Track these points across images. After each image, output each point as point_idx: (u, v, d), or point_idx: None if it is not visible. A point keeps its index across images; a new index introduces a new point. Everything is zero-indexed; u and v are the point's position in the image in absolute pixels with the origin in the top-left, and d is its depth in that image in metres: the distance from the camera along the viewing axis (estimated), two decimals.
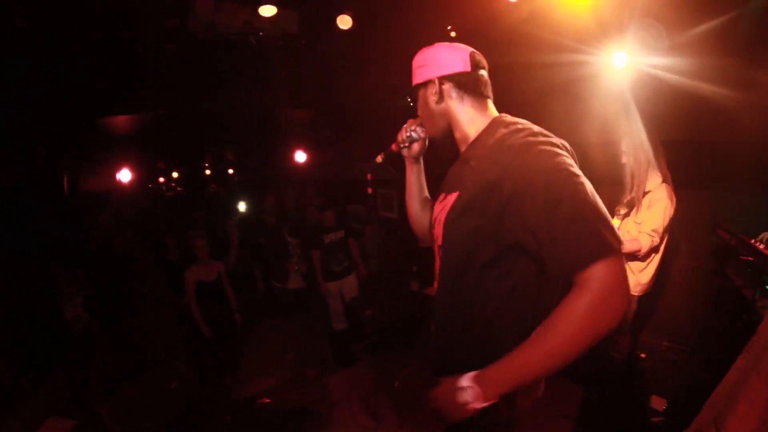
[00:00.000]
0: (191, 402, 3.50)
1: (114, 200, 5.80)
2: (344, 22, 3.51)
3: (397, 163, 1.68)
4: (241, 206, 5.90)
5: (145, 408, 3.21)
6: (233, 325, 4.11)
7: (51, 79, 3.83)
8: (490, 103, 1.41)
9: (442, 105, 1.37)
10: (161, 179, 9.70)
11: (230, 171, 9.83)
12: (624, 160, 2.84)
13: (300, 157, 6.45)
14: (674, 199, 2.72)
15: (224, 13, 3.54)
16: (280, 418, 3.34)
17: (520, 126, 1.26)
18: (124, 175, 5.83)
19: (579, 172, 1.12)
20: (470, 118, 1.36)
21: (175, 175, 9.74)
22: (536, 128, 1.25)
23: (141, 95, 4.27)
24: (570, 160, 1.15)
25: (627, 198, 2.91)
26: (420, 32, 3.70)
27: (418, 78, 1.41)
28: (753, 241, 2.61)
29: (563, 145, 1.21)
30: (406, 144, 1.57)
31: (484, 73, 1.39)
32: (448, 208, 1.34)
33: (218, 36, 3.58)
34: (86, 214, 5.37)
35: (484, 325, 1.27)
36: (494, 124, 1.32)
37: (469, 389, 1.11)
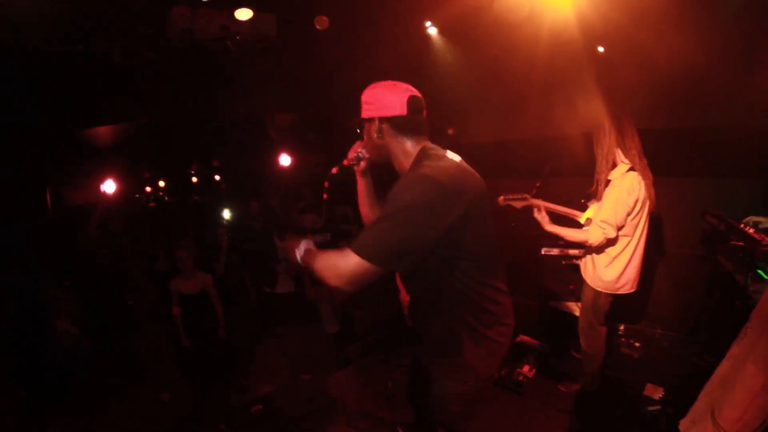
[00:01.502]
0: (184, 412, 3.46)
1: (99, 212, 5.71)
2: (321, 23, 3.47)
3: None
4: (228, 213, 5.84)
5: (137, 420, 3.17)
6: (216, 338, 4.06)
7: (29, 93, 3.76)
8: (424, 139, 1.65)
9: (382, 141, 1.63)
10: (147, 189, 9.61)
11: (217, 177, 9.74)
12: (594, 148, 2.73)
13: (284, 160, 6.40)
14: (639, 189, 2.56)
15: (201, 19, 3.49)
16: (275, 425, 3.30)
17: (428, 158, 1.55)
18: (109, 186, 5.76)
19: (423, 210, 1.38)
20: (404, 153, 1.63)
21: (161, 184, 9.66)
22: (437, 161, 1.54)
23: (120, 105, 4.20)
24: (432, 194, 1.40)
25: (593, 188, 2.83)
26: (398, 29, 3.68)
27: (364, 113, 1.66)
28: (741, 225, 2.60)
29: (451, 179, 1.46)
30: (354, 162, 1.84)
31: (419, 114, 1.62)
32: None
33: (196, 42, 3.52)
34: (72, 227, 5.28)
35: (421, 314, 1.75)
36: (417, 156, 1.60)
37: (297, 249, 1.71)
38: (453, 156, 1.62)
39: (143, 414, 3.24)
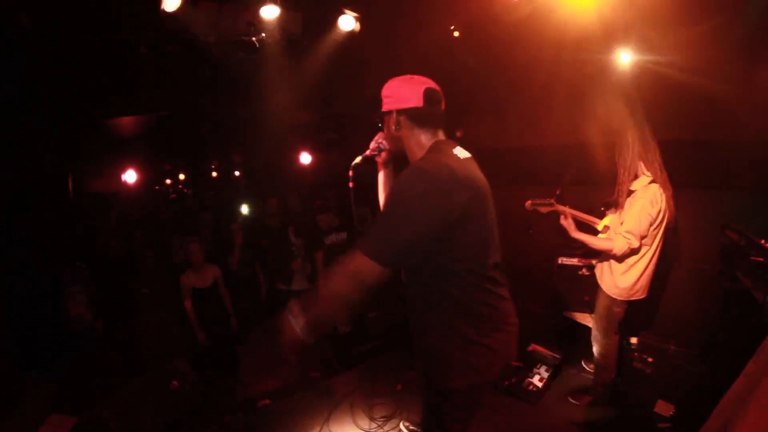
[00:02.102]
0: (192, 402, 3.50)
1: (119, 201, 5.83)
2: (347, 23, 3.50)
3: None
4: (246, 208, 5.89)
5: (145, 407, 3.20)
6: (229, 329, 4.11)
7: (56, 82, 3.87)
8: (440, 132, 1.68)
9: (400, 132, 1.68)
10: (168, 181, 9.76)
11: (236, 173, 9.84)
12: (616, 158, 2.76)
13: (305, 158, 6.44)
14: (661, 200, 2.60)
15: (227, 16, 3.55)
16: (281, 420, 3.31)
17: (437, 150, 1.59)
18: (130, 177, 5.88)
19: (423, 201, 1.39)
20: (418, 145, 1.66)
21: (181, 177, 9.80)
22: (443, 155, 1.55)
23: (143, 97, 4.29)
24: (433, 187, 1.41)
25: (613, 197, 2.85)
26: (422, 33, 3.69)
27: (384, 107, 1.71)
28: (763, 241, 2.55)
29: (457, 174, 1.47)
30: (376, 153, 1.91)
31: (436, 105, 1.65)
32: None
33: (221, 38, 3.58)
34: (92, 215, 5.39)
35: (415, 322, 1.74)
36: (431, 149, 1.62)
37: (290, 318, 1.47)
38: (461, 152, 1.62)
39: (151, 402, 3.27)
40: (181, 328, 4.16)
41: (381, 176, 2.03)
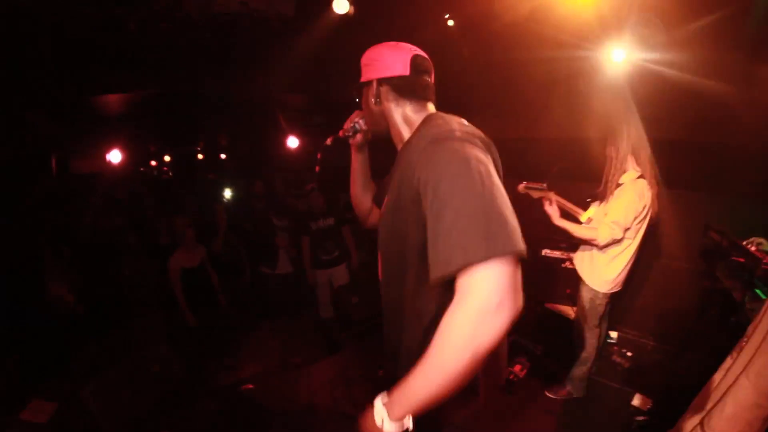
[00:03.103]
0: (174, 386, 3.47)
1: (104, 182, 5.71)
2: (341, 6, 3.44)
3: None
4: (231, 191, 5.83)
5: (127, 391, 3.16)
6: (217, 310, 4.09)
7: (42, 56, 3.74)
8: (430, 105, 1.40)
9: (380, 106, 1.39)
10: (153, 162, 9.59)
11: (222, 156, 9.71)
12: (607, 151, 2.79)
13: (292, 142, 6.38)
14: (648, 196, 2.63)
15: None
16: (263, 405, 3.31)
17: (440, 122, 1.24)
18: (115, 156, 5.76)
19: (488, 169, 1.06)
20: (405, 121, 1.38)
21: (167, 158, 9.64)
22: (456, 124, 1.21)
23: (133, 74, 4.18)
24: (479, 155, 1.09)
25: (600, 188, 2.88)
26: (418, 20, 3.65)
27: (363, 76, 1.43)
28: (744, 243, 2.61)
29: (482, 141, 1.18)
30: (350, 134, 1.62)
31: (425, 75, 1.39)
32: (382, 212, 1.39)
33: (213, 16, 3.50)
34: (75, 195, 5.27)
35: (416, 325, 1.26)
36: (423, 123, 1.31)
37: (379, 416, 1.09)
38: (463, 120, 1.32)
39: (132, 386, 3.23)
40: (164, 309, 4.12)
41: (355, 163, 1.74)
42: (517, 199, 3.08)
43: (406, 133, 1.36)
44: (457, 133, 1.14)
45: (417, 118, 1.35)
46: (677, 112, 3.19)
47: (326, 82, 4.94)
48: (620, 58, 2.94)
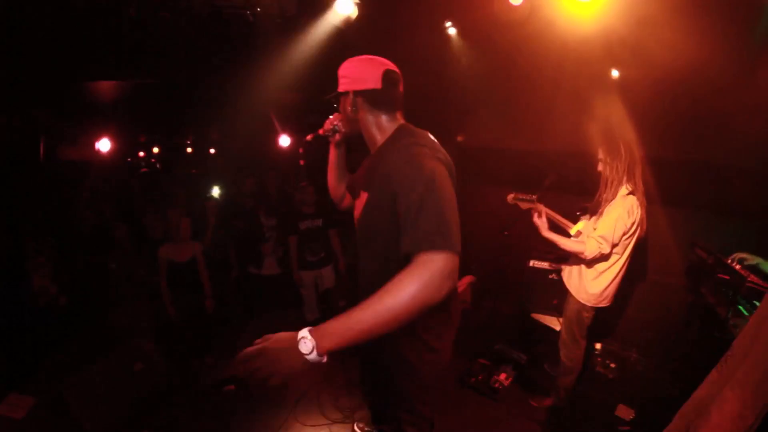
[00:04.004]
0: (156, 385, 3.39)
1: (93, 171, 5.59)
2: (345, 7, 3.45)
3: None
4: (221, 187, 5.76)
5: (108, 388, 3.08)
6: (203, 309, 4.01)
7: (36, 36, 3.65)
8: (399, 114, 1.65)
9: (356, 115, 1.63)
10: (141, 154, 9.43)
11: (212, 150, 9.59)
12: (600, 168, 2.79)
13: (284, 141, 6.34)
14: (636, 212, 2.65)
15: None
16: (246, 407, 3.27)
17: (413, 135, 1.54)
18: (104, 145, 5.65)
19: (446, 182, 1.35)
20: (378, 128, 1.63)
21: (155, 150, 9.49)
22: (424, 140, 1.53)
23: (129, 62, 4.11)
24: (443, 169, 1.40)
25: (591, 203, 2.89)
26: (419, 26, 3.68)
27: (340, 87, 1.66)
28: (730, 260, 2.67)
29: (444, 156, 1.49)
30: (329, 134, 1.86)
31: (395, 88, 1.62)
32: (361, 206, 1.64)
33: (215, 8, 3.47)
34: (62, 182, 5.15)
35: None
36: (396, 133, 1.59)
37: (306, 340, 1.15)
38: (432, 137, 1.62)
39: (114, 382, 3.15)
40: (150, 305, 4.03)
41: (333, 156, 2.00)
42: (506, 210, 3.13)
43: (380, 138, 1.62)
44: (426, 149, 1.44)
45: (390, 127, 1.62)
46: (666, 130, 3.26)
47: (322, 83, 4.93)
48: (619, 73, 2.99)
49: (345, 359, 3.57)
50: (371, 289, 1.38)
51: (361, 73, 1.59)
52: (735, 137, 2.97)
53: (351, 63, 1.63)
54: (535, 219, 2.89)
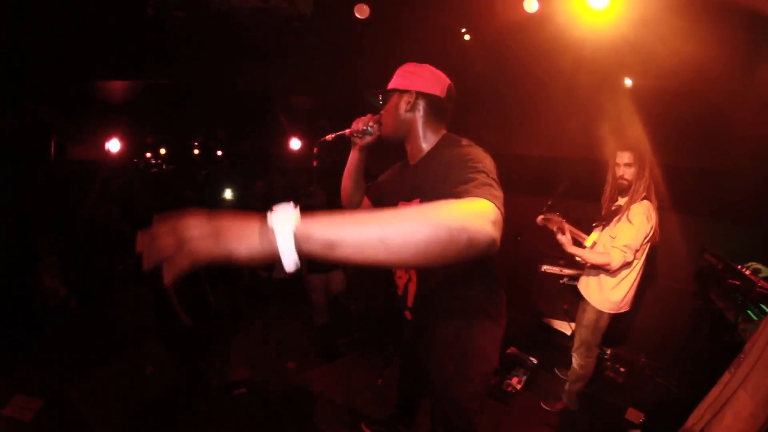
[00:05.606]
0: (165, 387, 3.37)
1: (103, 171, 5.62)
2: (361, 11, 3.49)
3: None
4: (231, 189, 5.79)
5: (117, 391, 3.03)
6: (209, 310, 4.02)
7: (48, 35, 3.66)
8: (444, 127, 1.64)
9: (410, 115, 1.58)
10: (148, 154, 9.47)
11: (219, 152, 9.61)
12: (621, 172, 2.74)
13: (294, 144, 6.38)
14: (653, 217, 2.65)
15: None
16: (257, 410, 3.24)
17: (462, 140, 1.52)
18: (114, 146, 5.68)
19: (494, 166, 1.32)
20: (426, 135, 1.60)
21: (162, 151, 9.52)
22: (473, 144, 1.50)
23: (142, 62, 4.13)
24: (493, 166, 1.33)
25: (603, 212, 2.90)
26: (435, 34, 3.72)
27: (398, 83, 1.59)
28: (740, 266, 2.70)
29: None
30: (358, 135, 1.74)
31: (451, 103, 1.63)
32: None
33: (232, 9, 3.50)
34: (71, 181, 5.17)
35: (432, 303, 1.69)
36: (444, 140, 1.58)
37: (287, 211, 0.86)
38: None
39: (123, 385, 3.12)
40: (158, 309, 4.02)
41: (354, 159, 1.84)
42: (518, 215, 3.15)
43: (425, 146, 1.60)
44: (480, 149, 1.42)
45: (435, 137, 1.60)
46: (678, 138, 3.29)
47: (335, 86, 4.96)
48: (632, 81, 3.02)
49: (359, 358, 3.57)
50: (432, 295, 1.54)
51: (429, 77, 1.57)
52: (744, 145, 3.00)
53: (417, 65, 1.59)
54: (559, 237, 2.83)
